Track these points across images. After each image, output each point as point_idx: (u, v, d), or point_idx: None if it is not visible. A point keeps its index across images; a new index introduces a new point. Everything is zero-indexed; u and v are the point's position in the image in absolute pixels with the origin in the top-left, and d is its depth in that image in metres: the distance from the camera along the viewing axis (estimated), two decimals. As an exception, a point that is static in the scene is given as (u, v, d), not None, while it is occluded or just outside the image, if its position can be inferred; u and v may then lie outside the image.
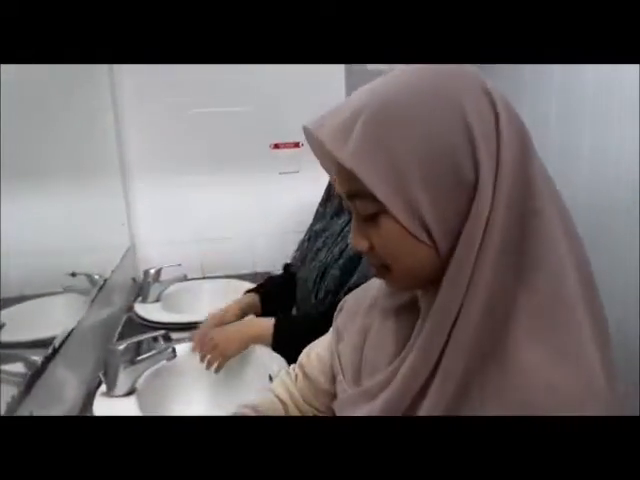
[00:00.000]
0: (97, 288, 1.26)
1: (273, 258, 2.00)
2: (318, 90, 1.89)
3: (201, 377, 1.14)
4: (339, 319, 0.69)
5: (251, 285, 1.75)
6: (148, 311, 1.53)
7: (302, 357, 0.77)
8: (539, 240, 0.44)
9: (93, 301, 1.21)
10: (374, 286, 0.65)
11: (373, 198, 0.44)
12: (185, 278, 1.66)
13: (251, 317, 1.18)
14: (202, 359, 1.10)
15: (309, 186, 1.95)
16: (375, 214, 0.46)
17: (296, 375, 0.76)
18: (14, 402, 0.74)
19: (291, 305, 1.37)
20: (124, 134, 1.78)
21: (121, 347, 1.03)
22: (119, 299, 1.57)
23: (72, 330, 1.02)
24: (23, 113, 0.92)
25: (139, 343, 1.07)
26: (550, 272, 0.44)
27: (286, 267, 1.41)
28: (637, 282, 1.14)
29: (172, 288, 1.66)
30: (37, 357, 0.92)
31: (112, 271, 1.45)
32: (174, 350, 1.06)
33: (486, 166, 0.43)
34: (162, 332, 1.09)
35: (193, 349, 1.14)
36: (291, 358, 1.10)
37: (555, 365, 0.42)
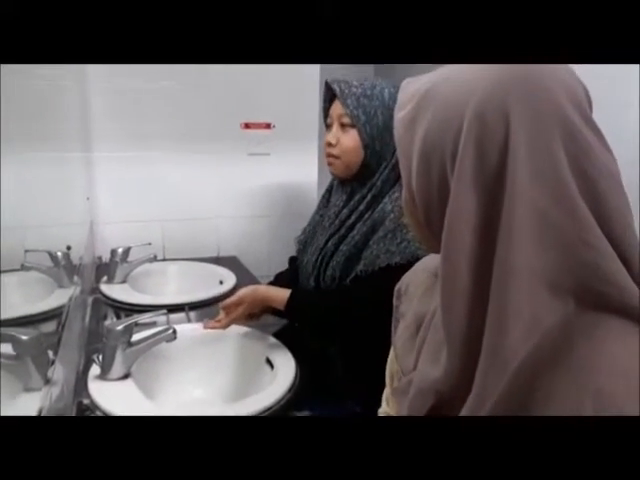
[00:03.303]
0: (77, 266, 1.17)
1: (238, 242, 1.95)
2: (292, 68, 1.85)
3: (198, 361, 1.10)
4: (400, 305, 0.66)
5: (219, 269, 1.72)
6: (118, 292, 1.44)
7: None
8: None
9: (74, 279, 1.12)
10: (427, 268, 0.64)
11: None
12: (155, 259, 1.58)
13: (271, 288, 1.16)
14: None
15: (279, 169, 1.94)
16: None
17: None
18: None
19: None
20: (90, 106, 1.65)
21: (119, 328, 0.96)
22: (82, 278, 1.47)
23: (68, 308, 0.94)
24: None
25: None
26: None
27: (291, 260, 1.38)
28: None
29: (138, 269, 1.57)
30: (26, 336, 0.84)
31: (85, 249, 1.35)
32: (175, 331, 1.00)
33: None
34: (162, 312, 1.03)
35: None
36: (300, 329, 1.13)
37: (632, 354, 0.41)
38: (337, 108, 1.10)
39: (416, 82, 0.51)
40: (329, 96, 1.13)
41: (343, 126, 1.09)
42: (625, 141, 1.26)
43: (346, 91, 1.07)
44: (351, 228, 1.09)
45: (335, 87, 1.08)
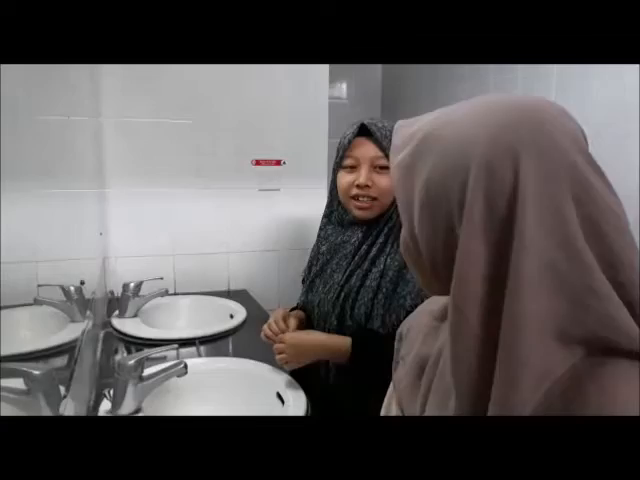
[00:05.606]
0: (90, 301, 1.18)
1: (248, 276, 1.97)
2: (302, 110, 1.92)
3: (209, 395, 1.09)
4: (400, 348, 0.67)
5: (230, 302, 1.73)
6: (129, 327, 1.45)
7: None
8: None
9: (86, 314, 1.13)
10: (430, 311, 0.63)
11: None
12: (166, 293, 1.59)
13: (328, 335, 1.11)
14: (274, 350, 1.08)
15: (288, 205, 1.97)
16: None
17: None
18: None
19: None
20: (104, 143, 1.70)
21: (131, 362, 0.97)
22: (94, 313, 1.48)
23: (81, 342, 0.94)
24: None
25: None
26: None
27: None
28: None
29: (150, 303, 1.58)
30: (38, 371, 0.85)
31: (97, 283, 1.37)
32: (186, 366, 1.01)
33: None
34: (173, 346, 1.04)
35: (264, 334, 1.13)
36: (368, 376, 1.04)
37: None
38: (369, 150, 1.07)
39: (411, 125, 0.50)
40: (352, 137, 1.09)
41: (375, 168, 1.07)
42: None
43: (379, 133, 1.06)
44: (373, 262, 1.08)
45: (373, 129, 1.06)
